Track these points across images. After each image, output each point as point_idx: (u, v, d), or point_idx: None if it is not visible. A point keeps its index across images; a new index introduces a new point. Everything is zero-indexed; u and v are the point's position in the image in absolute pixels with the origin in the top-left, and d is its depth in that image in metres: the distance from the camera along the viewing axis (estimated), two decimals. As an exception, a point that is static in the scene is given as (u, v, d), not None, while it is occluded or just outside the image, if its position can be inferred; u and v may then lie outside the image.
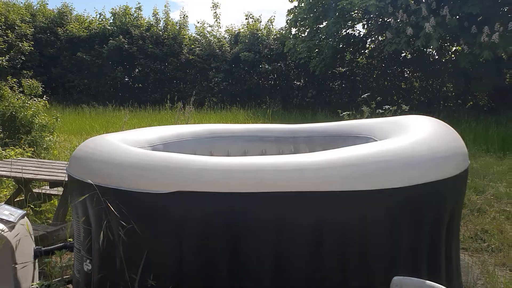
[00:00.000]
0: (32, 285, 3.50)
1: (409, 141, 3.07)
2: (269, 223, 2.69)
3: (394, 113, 7.76)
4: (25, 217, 3.53)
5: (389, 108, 8.09)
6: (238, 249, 2.74)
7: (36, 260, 3.71)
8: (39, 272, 3.85)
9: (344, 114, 8.32)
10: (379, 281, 2.71)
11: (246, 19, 24.54)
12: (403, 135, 3.26)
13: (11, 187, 6.68)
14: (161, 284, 2.78)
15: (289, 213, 2.69)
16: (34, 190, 5.93)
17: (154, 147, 3.97)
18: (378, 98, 10.54)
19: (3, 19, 22.47)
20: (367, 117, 7.24)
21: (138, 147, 3.46)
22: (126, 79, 24.72)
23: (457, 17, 15.17)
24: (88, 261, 3.13)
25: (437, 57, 19.14)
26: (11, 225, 3.29)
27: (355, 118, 7.68)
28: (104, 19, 25.70)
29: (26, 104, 9.37)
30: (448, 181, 2.93)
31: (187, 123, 10.13)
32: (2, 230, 3.20)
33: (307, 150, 4.51)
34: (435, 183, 2.85)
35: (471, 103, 18.63)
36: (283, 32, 22.69)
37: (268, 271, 2.72)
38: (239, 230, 2.73)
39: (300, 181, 2.67)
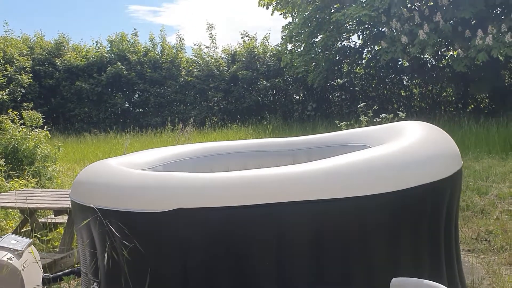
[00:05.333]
0: (42, 311, 3.55)
1: (401, 145, 3.14)
2: (270, 233, 2.74)
3: (392, 121, 7.82)
4: (32, 245, 3.59)
5: (386, 116, 8.17)
6: (241, 261, 2.79)
7: (45, 287, 3.77)
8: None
9: (341, 125, 8.40)
10: (380, 285, 2.75)
11: (241, 38, 24.68)
12: (396, 140, 3.33)
13: (17, 219, 6.73)
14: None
15: (290, 222, 2.75)
16: (39, 220, 5.98)
17: (154, 169, 4.03)
18: (375, 107, 10.63)
19: (2, 54, 22.67)
20: (365, 126, 7.30)
21: (138, 170, 3.52)
22: (127, 105, 24.81)
23: (451, 22, 15.28)
24: (95, 283, 3.19)
25: (434, 63, 19.24)
26: (18, 253, 3.35)
27: (353, 127, 7.75)
28: (101, 47, 25.79)
29: (28, 136, 9.46)
30: (441, 182, 2.99)
31: (187, 144, 10.19)
32: (10, 259, 3.26)
33: (306, 161, 4.56)
34: (428, 185, 2.90)
35: (472, 106, 18.67)
36: (279, 48, 22.79)
37: (271, 282, 2.77)
38: (241, 243, 2.78)
39: (298, 191, 2.74)
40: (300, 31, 19.39)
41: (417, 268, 2.90)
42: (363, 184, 2.77)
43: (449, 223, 3.19)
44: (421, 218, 2.95)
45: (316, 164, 2.96)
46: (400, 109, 18.90)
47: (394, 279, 2.50)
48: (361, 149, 3.78)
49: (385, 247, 2.85)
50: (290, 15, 20.51)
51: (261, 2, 20.70)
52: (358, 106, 10.04)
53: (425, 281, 2.39)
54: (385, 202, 2.78)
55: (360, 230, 2.80)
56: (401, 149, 3.08)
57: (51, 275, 3.82)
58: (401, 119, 7.69)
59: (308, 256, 2.77)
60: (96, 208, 2.96)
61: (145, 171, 3.42)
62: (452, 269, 3.23)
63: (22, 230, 5.70)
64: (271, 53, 23.18)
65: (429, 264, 3.00)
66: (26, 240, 3.55)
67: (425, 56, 18.04)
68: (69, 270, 3.93)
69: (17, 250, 3.38)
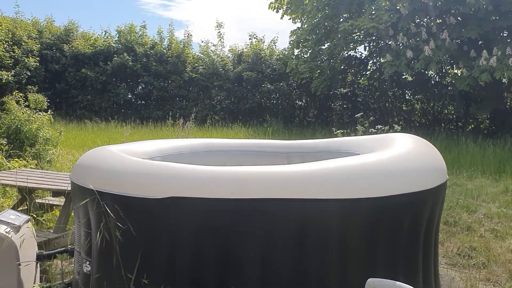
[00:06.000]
0: (34, 286, 3.68)
1: (388, 155, 3.28)
2: (256, 227, 2.89)
3: (387, 132, 7.95)
4: (29, 222, 3.73)
5: (381, 127, 8.32)
6: (228, 251, 2.94)
7: (38, 264, 3.90)
8: (40, 276, 4.04)
9: (338, 132, 8.56)
10: (356, 284, 2.89)
11: (249, 39, 24.79)
12: (384, 150, 3.47)
13: (14, 197, 6.86)
14: (154, 283, 2.98)
15: (275, 218, 2.89)
16: (36, 200, 6.11)
17: (153, 159, 4.16)
18: (371, 118, 10.80)
19: (10, 35, 22.77)
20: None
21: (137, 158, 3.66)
22: (129, 96, 24.93)
23: (458, 41, 15.43)
24: (87, 262, 3.33)
25: (437, 79, 19.36)
26: (16, 228, 3.49)
27: (349, 136, 7.90)
28: (109, 37, 25.95)
29: (31, 118, 9.61)
30: (423, 193, 3.13)
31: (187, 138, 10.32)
32: (8, 232, 3.40)
33: (299, 164, 4.71)
34: (410, 195, 3.05)
35: (472, 126, 18.77)
36: (286, 52, 22.91)
37: (255, 273, 2.92)
38: (228, 234, 2.93)
39: (286, 189, 2.88)
40: (307, 37, 19.53)
41: (393, 272, 3.03)
42: (346, 187, 2.92)
43: (429, 234, 3.33)
44: (400, 226, 3.09)
45: (305, 166, 3.12)
46: (400, 123, 19.00)
47: (369, 280, 2.65)
48: (351, 156, 3.94)
49: (363, 249, 3.00)
50: (299, 21, 20.68)
51: (271, 5, 20.83)
52: (356, 116, 10.22)
53: (398, 283, 2.54)
54: (367, 206, 2.93)
55: (340, 231, 2.94)
56: (387, 158, 3.23)
57: (45, 252, 3.95)
58: (396, 132, 7.84)
59: (290, 251, 2.91)
60: (95, 190, 3.11)
61: (143, 160, 3.56)
62: (428, 277, 3.37)
63: (19, 209, 5.82)
64: (277, 57, 23.30)
65: (406, 269, 3.14)
66: (25, 217, 3.69)
67: (429, 72, 18.13)
68: (63, 248, 4.06)
69: (15, 224, 3.52)
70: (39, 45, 24.17)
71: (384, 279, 2.60)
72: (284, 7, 20.69)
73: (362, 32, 17.67)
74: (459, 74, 15.92)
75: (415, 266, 3.22)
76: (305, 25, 19.74)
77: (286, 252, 2.92)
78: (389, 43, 17.19)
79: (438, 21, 16.40)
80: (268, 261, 2.91)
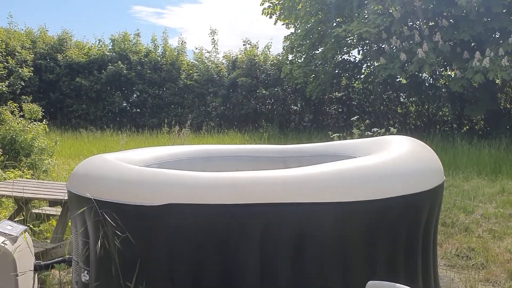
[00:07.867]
0: (32, 297, 3.67)
1: (385, 157, 3.28)
2: (254, 232, 2.88)
3: (383, 135, 7.96)
4: (26, 232, 3.72)
5: (377, 130, 8.33)
6: (226, 256, 2.93)
7: (36, 274, 3.88)
8: (38, 286, 4.02)
9: (334, 136, 8.56)
10: (356, 287, 2.89)
11: (243, 45, 24.77)
12: (381, 152, 3.47)
13: (10, 208, 6.84)
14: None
15: (273, 223, 2.89)
16: (33, 210, 6.08)
17: (149, 166, 4.15)
18: (367, 121, 10.81)
19: (4, 46, 22.74)
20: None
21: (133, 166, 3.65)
22: (124, 104, 24.87)
23: (450, 43, 15.47)
24: (85, 272, 3.32)
25: (431, 81, 19.38)
26: (13, 238, 3.47)
27: (345, 139, 7.91)
28: (103, 45, 25.92)
29: (26, 128, 9.58)
30: (421, 195, 3.13)
31: (183, 145, 10.31)
32: (4, 243, 3.38)
33: (296, 168, 4.70)
34: (407, 196, 3.05)
35: (467, 127, 18.81)
36: (280, 58, 22.90)
37: (254, 278, 2.91)
38: (226, 239, 2.92)
39: (283, 193, 2.88)
40: (301, 43, 19.52)
41: (392, 274, 3.04)
42: (344, 191, 2.92)
43: (427, 235, 3.33)
44: (399, 227, 3.09)
45: (302, 170, 3.12)
46: (396, 125, 19.00)
47: (369, 282, 2.64)
48: (348, 159, 3.93)
49: (362, 252, 3.00)
50: (292, 26, 20.66)
51: (264, 10, 20.82)
52: (351, 119, 10.24)
53: (398, 285, 2.53)
54: (365, 209, 2.92)
55: (339, 234, 2.94)
56: (384, 160, 3.23)
57: (43, 263, 3.94)
58: (392, 134, 7.84)
59: (289, 255, 2.91)
60: (92, 198, 3.10)
61: (140, 167, 3.55)
62: (428, 278, 3.37)
63: (15, 219, 5.79)
64: (272, 62, 23.28)
65: (405, 271, 3.14)
66: (21, 227, 3.68)
67: (422, 75, 18.14)
68: (61, 258, 4.04)
69: (12, 235, 3.50)
70: (33, 55, 24.13)
71: (383, 282, 2.59)
72: (277, 13, 20.69)
73: (356, 36, 17.69)
74: (452, 76, 15.95)
75: (414, 268, 3.22)
76: (299, 30, 19.73)
77: (284, 256, 2.91)
78: (383, 46, 17.21)
79: (430, 23, 16.44)
80: (267, 265, 2.91)
